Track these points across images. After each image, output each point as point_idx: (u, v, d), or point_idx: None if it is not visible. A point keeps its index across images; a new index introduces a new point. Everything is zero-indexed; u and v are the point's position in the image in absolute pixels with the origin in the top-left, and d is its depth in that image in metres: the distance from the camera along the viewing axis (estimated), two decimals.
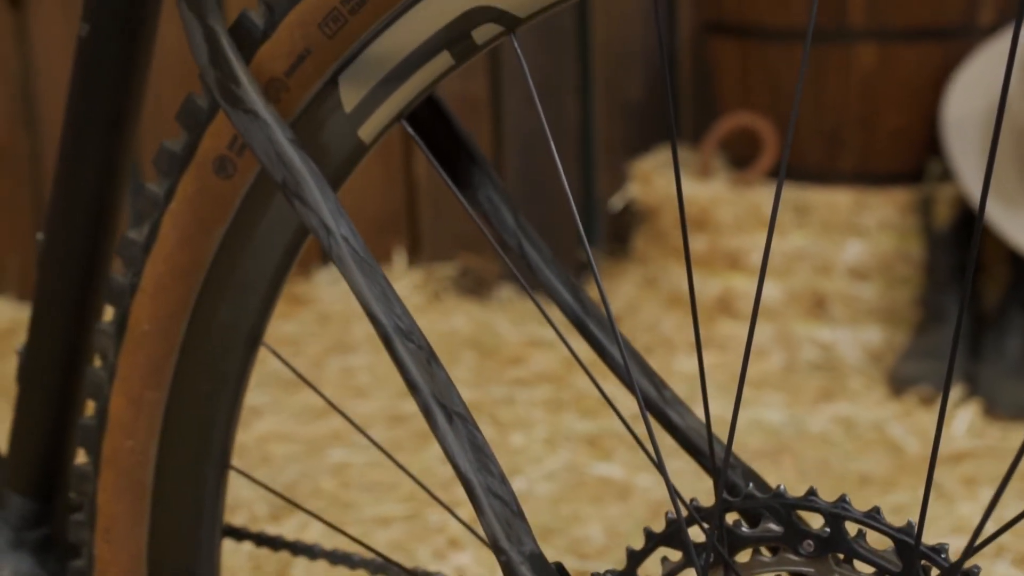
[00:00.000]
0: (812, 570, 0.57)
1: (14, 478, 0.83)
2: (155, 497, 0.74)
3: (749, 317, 2.29)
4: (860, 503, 1.75)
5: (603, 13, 2.64)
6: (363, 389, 2.19)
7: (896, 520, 1.70)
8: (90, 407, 0.77)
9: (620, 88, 2.68)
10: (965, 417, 2.00)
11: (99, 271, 0.77)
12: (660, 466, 0.60)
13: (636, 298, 2.46)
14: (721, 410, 2.05)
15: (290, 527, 1.69)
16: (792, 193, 2.29)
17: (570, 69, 2.66)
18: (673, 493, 0.61)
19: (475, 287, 2.67)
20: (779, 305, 2.29)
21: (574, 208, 0.55)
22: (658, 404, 0.67)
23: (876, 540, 0.65)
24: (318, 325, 2.47)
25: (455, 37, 0.61)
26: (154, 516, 0.75)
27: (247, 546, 1.57)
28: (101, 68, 0.73)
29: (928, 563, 0.56)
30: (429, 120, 0.71)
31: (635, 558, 0.60)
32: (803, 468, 1.87)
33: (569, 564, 1.59)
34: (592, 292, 2.60)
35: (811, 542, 0.57)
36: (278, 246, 0.69)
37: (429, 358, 0.57)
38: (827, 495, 1.75)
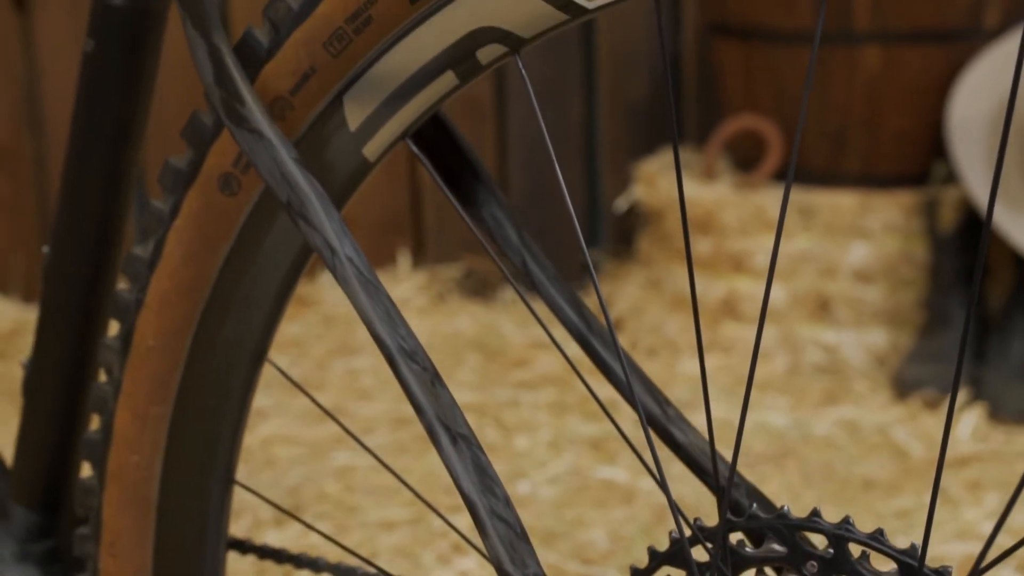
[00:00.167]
0: None
1: (19, 490, 0.83)
2: (160, 511, 0.74)
3: (753, 319, 2.29)
4: (864, 508, 1.75)
5: (607, 15, 2.64)
6: (367, 392, 2.19)
7: (900, 526, 1.69)
8: (95, 421, 0.77)
9: (624, 90, 2.68)
10: (969, 421, 2.00)
11: (104, 285, 0.77)
12: (663, 484, 0.60)
13: (640, 300, 2.46)
14: (725, 413, 2.06)
15: (293, 532, 1.69)
16: (796, 195, 2.29)
17: (574, 71, 2.66)
18: (676, 512, 0.61)
19: (479, 289, 2.67)
20: (783, 307, 2.29)
21: (573, 214, 0.55)
22: (661, 421, 0.67)
23: (880, 559, 0.65)
24: (322, 327, 2.47)
25: (460, 57, 0.61)
26: (159, 530, 0.75)
27: (251, 558, 1.57)
28: (106, 83, 0.73)
29: None
30: (433, 136, 0.72)
31: None
32: (807, 472, 1.87)
33: (572, 569, 1.59)
34: (594, 299, 2.60)
35: (815, 563, 0.57)
36: (283, 263, 0.69)
37: (433, 379, 0.57)
38: (831, 500, 1.75)
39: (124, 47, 0.72)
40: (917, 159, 2.30)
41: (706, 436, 0.65)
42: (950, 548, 1.60)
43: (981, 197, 2.14)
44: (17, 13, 2.55)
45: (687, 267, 0.56)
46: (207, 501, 0.74)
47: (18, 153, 2.58)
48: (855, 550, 0.58)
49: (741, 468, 1.88)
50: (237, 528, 1.68)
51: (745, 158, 2.40)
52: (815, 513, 0.58)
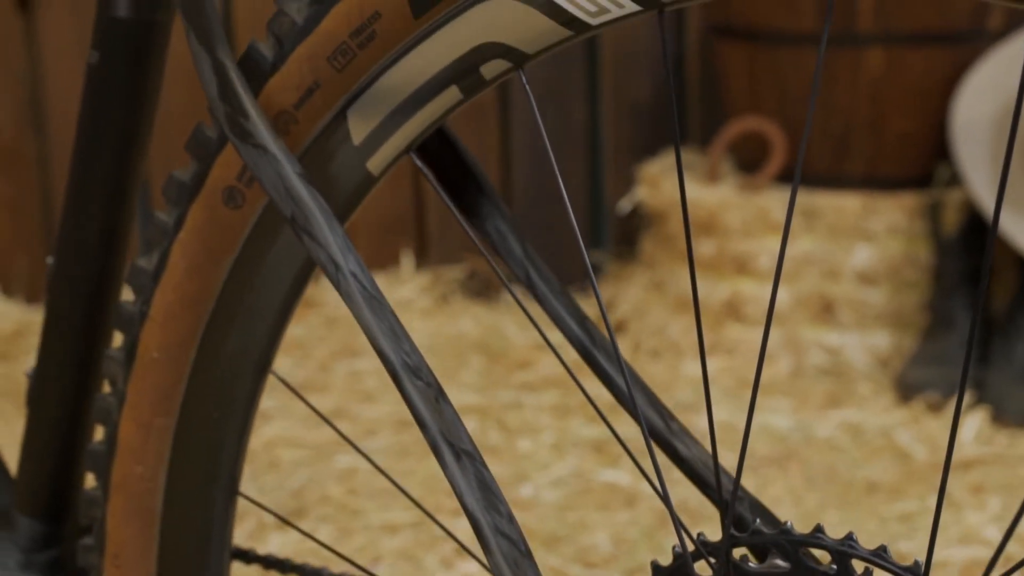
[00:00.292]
0: None
1: (23, 500, 0.83)
2: (164, 522, 0.74)
3: (757, 321, 2.29)
4: (868, 512, 1.75)
5: None
6: (371, 393, 2.19)
7: (903, 531, 1.69)
8: (99, 432, 0.77)
9: (628, 91, 2.68)
10: (973, 424, 2.00)
11: (108, 296, 0.78)
12: (666, 499, 0.60)
13: (643, 302, 2.46)
14: (728, 416, 2.06)
15: (297, 536, 1.69)
16: (800, 197, 2.29)
17: (578, 72, 2.66)
18: (679, 526, 0.61)
19: (483, 290, 2.67)
20: (787, 309, 2.29)
21: (573, 218, 0.55)
22: (664, 435, 0.67)
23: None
24: (325, 329, 2.47)
25: (464, 72, 0.61)
26: (163, 541, 0.75)
27: (255, 568, 1.57)
28: (110, 95, 0.74)
29: None
30: (437, 149, 0.72)
31: None
32: (810, 475, 1.87)
33: (575, 573, 1.59)
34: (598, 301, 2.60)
35: None
36: (287, 276, 0.69)
37: (437, 395, 0.57)
38: (834, 504, 1.75)
39: (128, 59, 0.73)
40: (921, 161, 2.30)
41: (709, 449, 0.65)
42: (953, 553, 1.61)
43: (985, 199, 2.13)
44: (20, 14, 2.55)
45: (689, 269, 0.56)
46: (211, 512, 0.74)
47: (21, 154, 2.58)
48: (858, 566, 0.58)
49: (744, 471, 1.88)
50: (241, 532, 1.69)
51: (749, 160, 2.40)
52: (818, 529, 0.58)
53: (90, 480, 0.77)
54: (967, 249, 2.20)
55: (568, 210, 0.62)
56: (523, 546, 0.54)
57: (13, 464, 1.00)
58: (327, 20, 0.62)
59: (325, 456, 1.94)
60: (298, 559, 1.55)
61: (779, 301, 2.29)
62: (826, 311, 2.28)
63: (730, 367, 2.26)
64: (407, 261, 2.68)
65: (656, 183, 2.47)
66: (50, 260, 0.79)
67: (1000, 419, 2.01)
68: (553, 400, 2.14)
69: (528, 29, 0.59)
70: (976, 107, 2.20)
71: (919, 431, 2.00)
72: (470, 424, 2.06)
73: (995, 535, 1.65)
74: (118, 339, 0.75)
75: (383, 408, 2.12)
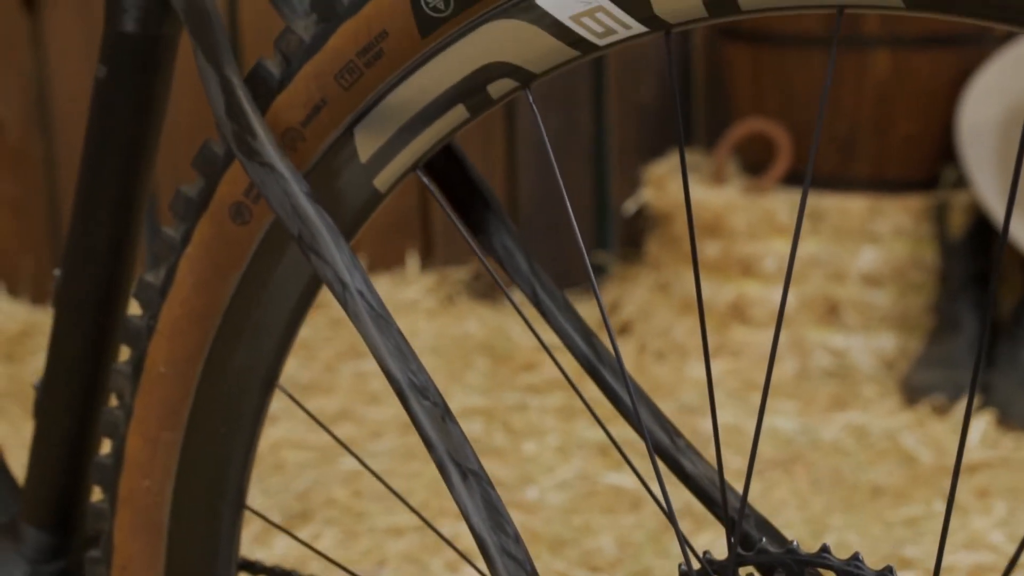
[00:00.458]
0: None
1: (31, 511, 0.83)
2: (171, 536, 0.75)
3: (762, 323, 2.29)
4: (873, 516, 1.75)
5: None
6: (376, 395, 2.19)
7: (909, 535, 1.69)
8: (107, 445, 0.77)
9: (633, 93, 2.68)
10: (978, 427, 2.00)
11: (116, 309, 0.78)
12: (671, 517, 0.60)
13: (649, 303, 2.46)
14: (733, 418, 2.06)
15: (303, 536, 1.70)
16: (807, 199, 2.28)
17: (583, 74, 2.66)
18: (684, 544, 0.61)
19: (488, 291, 2.67)
20: (792, 311, 2.29)
21: (575, 223, 0.55)
22: (670, 452, 0.67)
23: None
24: (331, 330, 2.47)
25: (470, 91, 0.61)
26: (170, 554, 0.75)
27: None
28: (118, 109, 0.74)
29: None
30: (444, 166, 0.72)
31: None
32: (815, 478, 1.87)
33: None
34: (604, 301, 2.60)
35: None
36: (294, 291, 0.69)
37: (444, 415, 0.57)
38: (840, 507, 1.75)
39: (136, 73, 0.73)
40: (926, 163, 2.30)
41: (714, 465, 0.65)
42: (959, 558, 1.60)
43: (991, 201, 2.13)
44: (27, 15, 2.55)
45: (693, 271, 0.56)
46: (218, 525, 0.74)
47: (28, 155, 2.59)
48: None
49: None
50: (247, 534, 1.69)
51: (754, 162, 2.40)
52: (824, 549, 0.58)
53: (97, 493, 0.78)
54: (973, 251, 2.20)
55: (571, 216, 0.62)
56: (529, 566, 0.55)
57: (19, 473, 1.00)
58: (334, 38, 0.62)
59: (330, 458, 1.94)
60: (304, 564, 1.55)
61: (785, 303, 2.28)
62: (831, 313, 2.28)
63: (735, 369, 2.26)
64: (412, 262, 2.68)
65: (661, 185, 2.47)
66: (57, 272, 0.79)
67: (1006, 422, 2.01)
68: (558, 402, 2.15)
69: (535, 49, 0.59)
70: (982, 110, 2.20)
71: (924, 434, 2.00)
72: (475, 426, 2.06)
73: (1001, 540, 1.65)
74: (125, 353, 0.75)
75: (389, 410, 2.12)
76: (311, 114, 0.64)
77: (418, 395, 0.57)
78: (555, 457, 1.95)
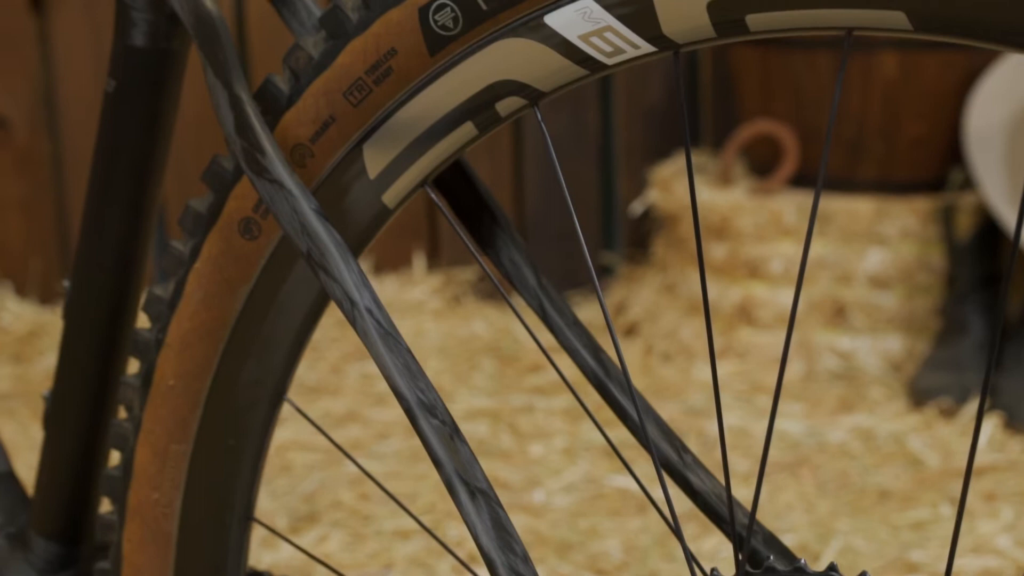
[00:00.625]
0: None
1: (40, 521, 0.83)
2: (180, 548, 0.75)
3: (768, 325, 2.29)
4: (879, 519, 1.75)
5: None
6: (383, 397, 2.19)
7: (915, 539, 1.69)
8: (116, 457, 0.78)
9: (640, 94, 2.68)
10: (985, 430, 2.00)
11: (125, 322, 0.78)
12: (678, 533, 0.61)
13: (655, 304, 2.46)
14: (739, 421, 2.06)
15: (309, 541, 1.70)
16: (812, 201, 2.28)
17: None
18: (691, 560, 0.61)
19: (494, 292, 2.67)
20: (799, 313, 2.29)
21: (578, 226, 0.55)
22: (678, 468, 0.67)
23: None
24: (337, 331, 2.47)
25: (479, 108, 0.61)
26: (178, 566, 0.75)
27: None
28: (127, 123, 0.74)
29: None
30: (452, 181, 0.72)
31: None
32: (822, 481, 1.87)
33: None
34: (609, 302, 2.60)
35: None
36: (302, 305, 0.69)
37: (452, 433, 0.57)
38: (846, 511, 1.75)
39: (145, 87, 0.73)
40: (934, 165, 2.30)
41: (722, 481, 0.65)
42: (965, 563, 1.60)
43: (998, 204, 2.13)
44: (34, 15, 2.56)
45: (700, 273, 0.56)
46: (226, 537, 0.74)
47: (35, 155, 2.59)
48: None
49: (754, 478, 1.88)
50: (253, 538, 1.69)
51: (761, 163, 2.39)
52: (832, 567, 0.58)
53: (107, 504, 0.78)
54: (980, 254, 2.20)
55: (575, 220, 0.62)
56: None
57: (27, 475, 1.01)
58: (343, 55, 0.62)
59: (337, 461, 1.94)
60: (311, 568, 1.55)
61: (791, 305, 2.29)
62: (838, 315, 2.27)
63: (742, 371, 2.26)
64: (419, 262, 2.68)
65: (668, 186, 2.47)
66: (66, 283, 0.79)
67: (1013, 425, 2.00)
68: (565, 404, 2.15)
69: (543, 68, 0.59)
70: (990, 112, 2.19)
71: (931, 437, 1.99)
72: (481, 428, 2.06)
73: (1007, 545, 1.65)
74: (134, 365, 0.75)
75: (395, 412, 2.12)
76: (320, 130, 0.64)
77: (427, 413, 0.57)
78: (562, 460, 1.95)
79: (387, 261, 2.66)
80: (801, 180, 2.35)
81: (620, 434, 2.03)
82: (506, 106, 0.61)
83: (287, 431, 2.04)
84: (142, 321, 0.76)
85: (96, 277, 0.77)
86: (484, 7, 0.58)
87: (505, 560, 0.55)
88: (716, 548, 1.64)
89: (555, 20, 0.57)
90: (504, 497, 1.82)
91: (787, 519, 1.73)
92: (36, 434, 2.04)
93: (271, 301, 0.69)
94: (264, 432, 0.73)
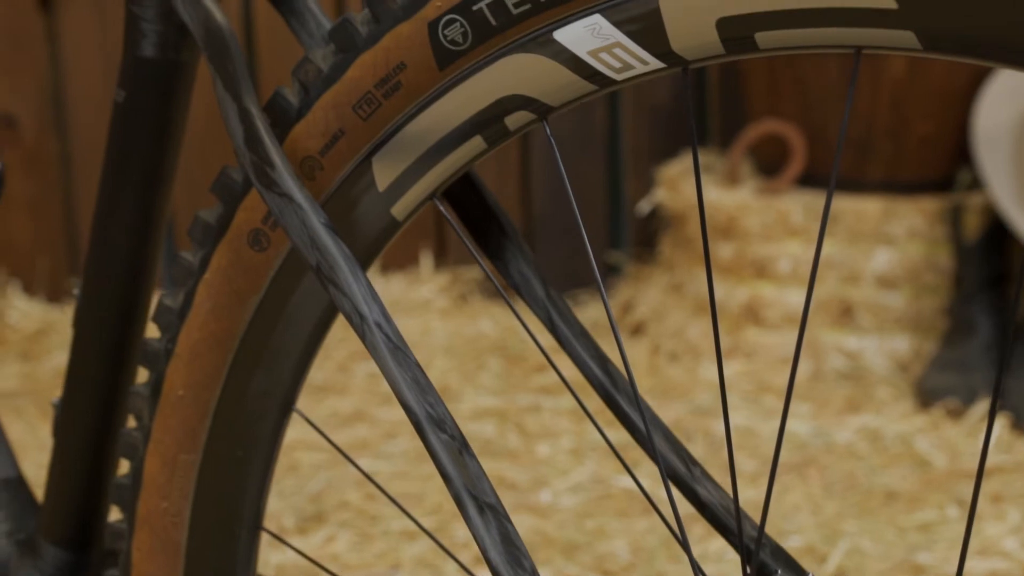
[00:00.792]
0: None
1: (49, 528, 0.84)
2: (189, 557, 0.75)
3: (775, 325, 2.29)
4: (886, 521, 1.75)
5: None
6: (390, 396, 2.20)
7: (922, 541, 1.69)
8: (125, 466, 0.78)
9: (648, 93, 2.68)
10: (992, 431, 1.99)
11: (134, 331, 0.78)
12: (685, 546, 0.61)
13: (662, 304, 2.46)
14: (747, 421, 2.06)
15: (316, 540, 1.70)
16: (820, 201, 2.28)
17: None
18: (698, 573, 0.61)
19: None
20: (803, 312, 2.28)
21: (582, 227, 0.55)
22: (685, 480, 0.67)
23: None
24: (344, 330, 2.47)
25: (488, 122, 0.61)
26: (188, 575, 0.76)
27: None
28: (136, 133, 0.74)
29: None
30: (460, 193, 0.72)
31: None
32: (829, 482, 1.87)
33: None
34: (614, 302, 2.60)
35: None
36: (311, 317, 0.70)
37: (461, 448, 0.57)
38: (853, 512, 1.75)
39: (154, 97, 0.73)
40: (942, 165, 2.29)
41: (730, 493, 0.66)
42: (972, 565, 1.60)
43: (1006, 204, 2.13)
44: (42, 13, 2.56)
45: (706, 273, 0.56)
46: (235, 547, 0.75)
47: (43, 154, 2.59)
48: None
49: (761, 479, 1.88)
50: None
51: (768, 163, 2.39)
52: None
53: (116, 513, 0.78)
54: (988, 254, 2.19)
55: (579, 222, 0.62)
56: None
57: (34, 472, 1.01)
58: (353, 69, 0.62)
59: (344, 460, 1.94)
60: (317, 571, 1.56)
61: (798, 304, 2.29)
62: (846, 315, 2.27)
63: (749, 371, 2.26)
64: (426, 261, 2.68)
65: (675, 185, 2.47)
66: (76, 292, 0.79)
67: (1020, 426, 2.00)
68: (572, 404, 2.15)
69: (552, 82, 0.59)
70: (998, 111, 2.19)
71: (938, 438, 1.99)
72: (488, 427, 2.06)
73: (1015, 547, 1.65)
74: (144, 375, 0.75)
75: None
76: (329, 143, 0.64)
77: (436, 428, 0.57)
78: (568, 460, 1.95)
79: (394, 260, 2.66)
80: (808, 180, 2.34)
81: (625, 437, 2.04)
82: (515, 120, 0.61)
83: (294, 431, 2.04)
84: (152, 331, 0.76)
85: (106, 286, 0.77)
86: (493, 22, 0.58)
87: (514, 575, 0.55)
88: (722, 550, 1.64)
89: (564, 36, 0.57)
90: (511, 497, 1.82)
91: (794, 520, 1.73)
92: (44, 433, 2.05)
93: (280, 312, 0.69)
94: (273, 442, 0.73)
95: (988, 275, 2.19)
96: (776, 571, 0.59)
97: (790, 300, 2.30)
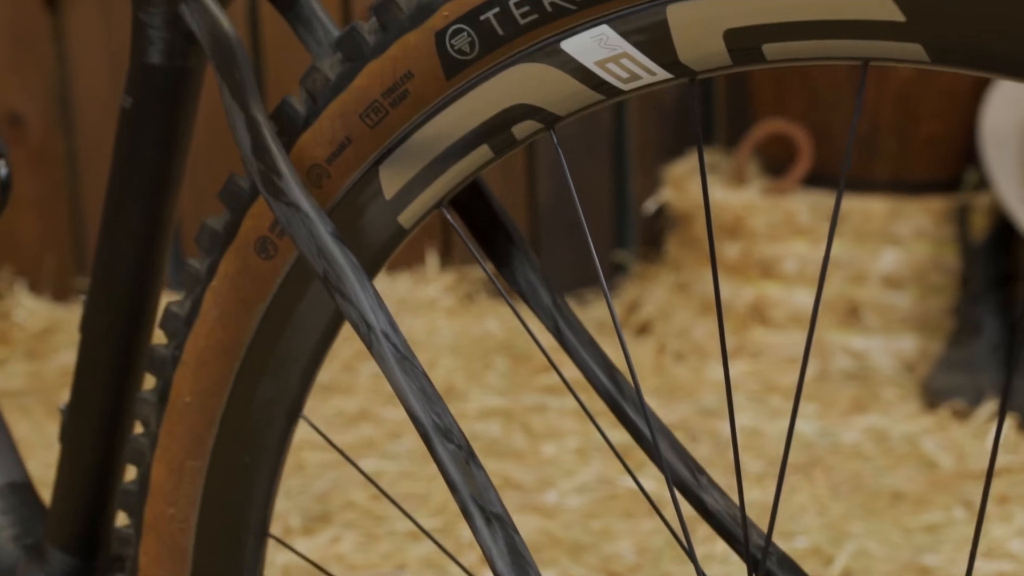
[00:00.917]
0: None
1: (56, 533, 0.84)
2: (196, 563, 0.75)
3: (781, 325, 2.29)
4: (892, 522, 1.75)
5: None
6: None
7: (929, 543, 1.68)
8: (132, 472, 0.78)
9: (655, 92, 2.67)
10: (1001, 432, 1.99)
11: (141, 338, 0.78)
12: (691, 554, 0.61)
13: (669, 303, 2.46)
14: (753, 421, 2.06)
15: (322, 541, 1.71)
16: (826, 201, 2.28)
17: None
18: None
19: (507, 291, 2.68)
20: (812, 313, 2.28)
21: (586, 227, 0.55)
22: (692, 488, 0.67)
23: None
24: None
25: (495, 131, 0.61)
26: None
27: None
28: (143, 139, 0.74)
29: None
30: (467, 200, 0.72)
31: None
32: (835, 482, 1.86)
33: None
34: (619, 301, 2.60)
35: None
36: (318, 324, 0.70)
37: (468, 458, 0.57)
38: (859, 513, 1.75)
39: (161, 104, 0.73)
40: (949, 165, 2.29)
41: (736, 501, 0.65)
42: (978, 567, 1.60)
43: (1013, 204, 2.12)
44: (48, 12, 2.56)
45: (712, 273, 0.56)
46: (242, 553, 0.75)
47: (50, 153, 2.60)
48: None
49: (767, 480, 1.88)
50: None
51: (775, 163, 2.39)
52: None
53: (123, 518, 0.78)
54: (995, 254, 2.19)
55: (583, 223, 0.62)
56: None
57: (40, 472, 1.01)
58: (360, 78, 0.62)
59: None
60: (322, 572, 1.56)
61: (804, 304, 2.29)
62: (852, 315, 2.27)
63: (755, 371, 2.26)
64: (432, 260, 2.68)
65: (681, 185, 2.46)
66: (84, 298, 0.80)
67: None
68: (577, 404, 2.15)
69: (559, 92, 0.59)
70: (1005, 111, 2.18)
71: (945, 439, 1.99)
72: (494, 427, 2.06)
73: (1021, 549, 1.65)
74: (151, 382, 0.76)
75: None
76: (336, 152, 0.64)
77: (443, 438, 0.57)
78: (574, 460, 1.95)
79: (401, 259, 2.66)
80: (815, 180, 2.34)
81: (629, 438, 2.03)
82: (522, 129, 0.61)
83: (300, 431, 2.04)
84: (159, 338, 0.76)
85: (113, 292, 0.77)
86: (501, 32, 0.58)
87: None
88: (728, 550, 1.64)
89: (571, 46, 0.57)
90: (516, 497, 1.82)
91: (800, 521, 1.73)
92: (50, 432, 2.05)
93: (287, 320, 0.69)
94: (280, 449, 0.73)
95: (995, 275, 2.19)
96: None
97: (796, 300, 2.30)
